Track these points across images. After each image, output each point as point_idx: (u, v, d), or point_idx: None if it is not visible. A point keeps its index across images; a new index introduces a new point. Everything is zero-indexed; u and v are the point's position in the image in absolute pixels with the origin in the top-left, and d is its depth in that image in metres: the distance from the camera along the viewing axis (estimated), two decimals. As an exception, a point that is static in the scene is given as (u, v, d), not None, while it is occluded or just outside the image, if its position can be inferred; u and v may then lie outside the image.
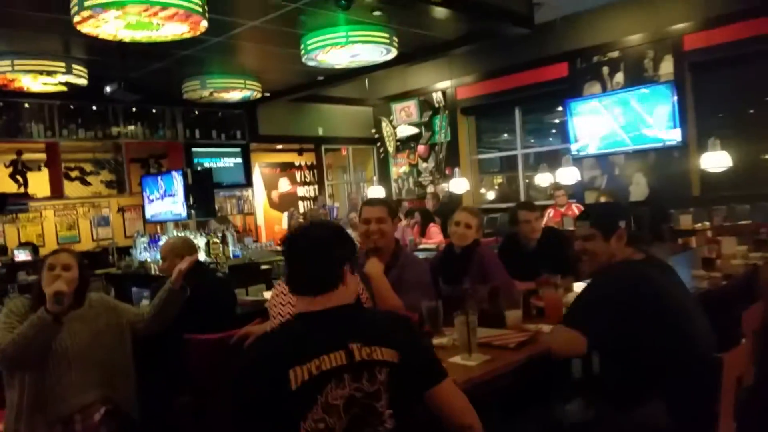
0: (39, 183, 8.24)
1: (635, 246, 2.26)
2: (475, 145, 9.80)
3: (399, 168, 10.50)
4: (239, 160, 9.42)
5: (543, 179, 8.15)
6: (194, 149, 8.86)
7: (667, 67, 7.16)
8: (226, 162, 9.26)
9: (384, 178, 10.60)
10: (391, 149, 10.54)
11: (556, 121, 9.31)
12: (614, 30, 7.50)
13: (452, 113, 9.55)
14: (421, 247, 6.91)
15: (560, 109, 8.42)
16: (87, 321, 2.43)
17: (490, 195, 10.19)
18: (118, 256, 7.20)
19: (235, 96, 7.76)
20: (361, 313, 1.71)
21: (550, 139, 9.83)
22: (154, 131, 8.54)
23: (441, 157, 9.79)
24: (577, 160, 7.79)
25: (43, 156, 8.12)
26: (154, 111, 8.53)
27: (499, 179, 10.68)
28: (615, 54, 7.57)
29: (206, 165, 8.76)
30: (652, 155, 7.38)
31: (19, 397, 2.27)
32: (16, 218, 7.84)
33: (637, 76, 7.37)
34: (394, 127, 10.41)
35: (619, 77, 7.56)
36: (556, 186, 7.60)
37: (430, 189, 9.80)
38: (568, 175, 7.42)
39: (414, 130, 10.12)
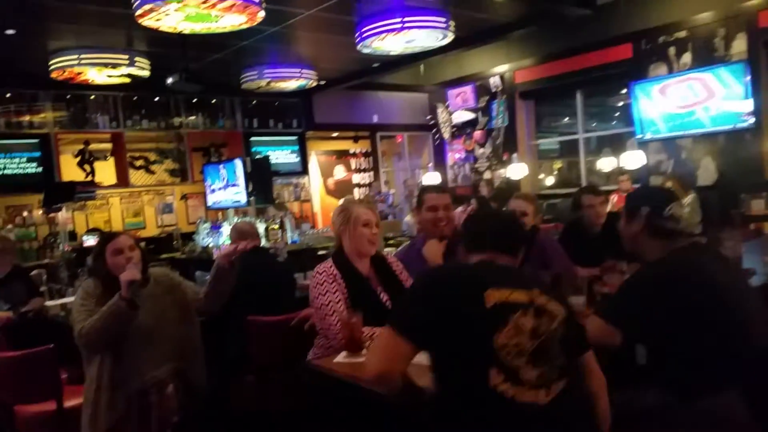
0: (105, 172, 8.56)
1: (662, 234, 2.13)
2: (534, 129, 9.56)
3: (455, 154, 10.38)
4: (296, 148, 9.54)
5: (605, 164, 7.88)
6: (252, 138, 9.02)
7: (739, 45, 6.76)
8: (283, 150, 9.40)
9: (439, 164, 10.51)
10: (446, 135, 10.43)
11: (620, 104, 8.98)
12: (682, 9, 7.13)
13: (510, 98, 9.34)
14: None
15: (624, 91, 8.10)
16: (156, 298, 2.50)
17: (549, 181, 9.94)
18: (182, 241, 7.43)
19: (291, 85, 7.84)
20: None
21: (613, 122, 9.49)
22: (214, 121, 8.74)
23: (498, 143, 9.61)
24: (642, 144, 7.48)
25: (108, 146, 8.43)
26: (213, 101, 8.73)
27: (558, 164, 10.41)
28: (682, 34, 7.20)
29: (264, 153, 8.90)
30: (722, 138, 7.00)
31: (98, 372, 2.39)
32: (84, 206, 8.19)
33: (707, 56, 6.99)
34: (450, 113, 10.28)
35: (687, 58, 7.19)
36: (620, 171, 7.33)
37: (486, 175, 9.66)
38: (633, 159, 7.14)
39: (470, 116, 9.97)
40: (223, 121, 8.78)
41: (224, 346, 3.37)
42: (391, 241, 6.45)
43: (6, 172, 7.09)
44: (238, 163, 6.75)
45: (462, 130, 10.17)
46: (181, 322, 2.59)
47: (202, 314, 2.74)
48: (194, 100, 8.50)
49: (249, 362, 3.25)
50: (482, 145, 9.89)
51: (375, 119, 10.27)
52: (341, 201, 2.99)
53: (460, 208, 8.06)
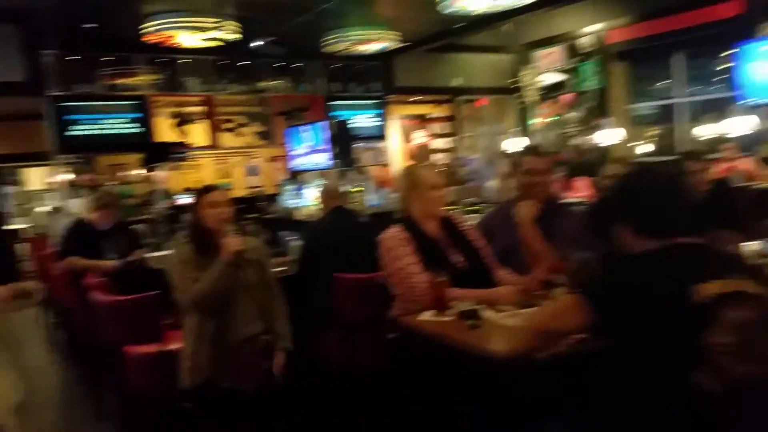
0: (197, 134, 8.91)
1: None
2: (628, 93, 9.07)
3: (540, 119, 10.04)
4: (376, 112, 9.53)
5: (706, 131, 7.38)
6: (334, 102, 9.09)
7: None
8: (364, 114, 9.42)
9: (523, 129, 10.21)
10: (532, 99, 10.09)
11: (724, 66, 8.32)
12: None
13: (603, 59, 8.88)
14: (566, 201, 6.60)
15: (730, 52, 7.49)
16: (247, 260, 2.59)
17: (643, 148, 9.43)
18: (267, 202, 7.68)
19: (372, 47, 7.78)
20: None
21: (717, 86, 8.83)
22: (297, 85, 8.86)
23: (588, 107, 9.20)
24: (748, 110, 6.93)
25: (200, 109, 8.75)
26: (296, 65, 8.83)
27: (653, 131, 9.86)
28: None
29: (345, 117, 8.95)
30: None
31: (199, 327, 2.52)
32: (178, 166, 8.58)
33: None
34: (537, 75, 9.92)
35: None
36: (722, 138, 6.85)
37: (574, 141, 9.29)
38: (738, 126, 6.65)
39: (558, 78, 9.57)
40: (305, 85, 8.88)
41: (310, 302, 3.47)
42: (472, 207, 6.37)
43: (109, 132, 7.49)
44: (321, 127, 6.84)
45: (549, 93, 9.81)
46: (266, 287, 2.70)
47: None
48: (278, 64, 8.63)
49: (334, 319, 3.33)
50: (570, 110, 9.51)
51: (457, 82, 10.07)
52: (403, 167, 2.97)
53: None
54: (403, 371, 2.57)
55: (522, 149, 3.20)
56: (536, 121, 10.08)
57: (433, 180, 2.66)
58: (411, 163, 2.61)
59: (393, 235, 2.62)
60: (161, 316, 3.04)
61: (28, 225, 9.86)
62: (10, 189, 11.18)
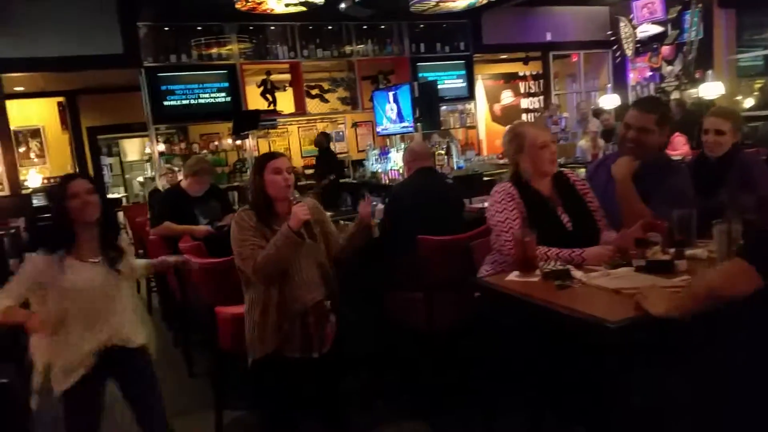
0: (285, 101, 9.08)
1: None
2: (734, 43, 8.30)
3: (638, 73, 9.40)
4: (462, 72, 9.27)
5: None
6: (419, 64, 8.93)
7: None
8: (450, 75, 9.19)
9: (620, 85, 9.62)
10: (629, 52, 9.45)
11: None
12: None
13: (707, 6, 8.14)
14: (673, 158, 6.18)
15: None
16: (307, 225, 2.53)
17: (749, 102, 8.63)
18: (353, 167, 7.73)
19: (460, 4, 7.51)
20: None
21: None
22: (383, 48, 8.77)
23: (690, 59, 8.51)
24: None
25: (287, 76, 8.88)
26: (382, 27, 8.74)
27: (760, 83, 8.99)
28: None
29: (430, 79, 8.79)
30: None
31: (264, 297, 2.50)
32: (267, 133, 8.82)
33: None
34: (634, 27, 9.26)
35: None
36: None
37: (675, 96, 8.65)
38: None
39: (658, 29, 8.89)
40: (391, 47, 8.78)
41: (393, 264, 3.45)
42: (563, 168, 6.09)
43: (200, 101, 7.76)
44: (406, 89, 6.73)
45: (648, 45, 9.15)
46: (326, 250, 2.66)
47: (336, 261, 2.73)
48: (364, 27, 8.57)
49: (417, 281, 3.29)
50: (671, 62, 8.84)
51: (548, 37, 9.59)
52: (508, 127, 2.79)
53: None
54: (486, 332, 2.52)
55: (632, 103, 3.01)
56: (633, 76, 9.45)
57: (542, 139, 2.58)
58: (518, 121, 2.51)
59: (503, 189, 2.61)
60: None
61: (124, 195, 10.55)
62: (109, 160, 11.95)
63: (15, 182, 7.01)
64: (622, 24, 9.44)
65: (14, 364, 3.62)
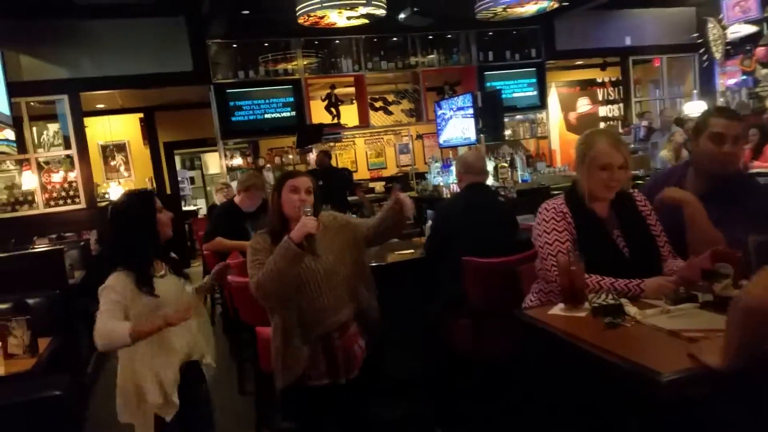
0: (349, 114, 9.04)
1: None
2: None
3: (728, 78, 8.67)
4: (533, 80, 8.90)
5: None
6: (487, 72, 8.65)
7: None
8: (520, 83, 8.85)
9: (707, 91, 8.91)
10: (718, 55, 8.74)
11: None
12: None
13: (809, 0, 7.39)
14: (755, 171, 5.60)
15: None
16: (327, 241, 2.36)
17: None
18: (416, 180, 7.55)
19: (530, 9, 7.19)
20: None
21: None
22: (449, 57, 8.57)
23: (788, 60, 7.75)
24: None
25: (351, 90, 8.84)
26: (449, 36, 8.54)
27: None
28: None
29: (497, 88, 8.50)
30: None
31: (282, 322, 2.34)
32: (332, 146, 8.79)
33: None
34: (724, 28, 8.54)
35: None
36: None
37: (770, 101, 7.90)
38: None
39: (752, 29, 8.16)
40: (458, 56, 8.55)
41: (439, 286, 3.25)
42: (639, 181, 5.64)
43: (266, 116, 7.85)
44: (469, 98, 6.49)
45: (739, 47, 8.42)
46: (355, 263, 2.43)
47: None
48: (429, 37, 8.41)
49: (463, 305, 3.08)
50: (765, 65, 8.07)
51: (627, 41, 9.03)
52: (583, 134, 2.44)
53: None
54: (530, 368, 2.26)
55: (710, 110, 2.56)
56: (722, 81, 8.72)
57: (606, 159, 2.23)
58: (595, 129, 2.26)
59: (552, 207, 2.33)
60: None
61: (198, 207, 10.86)
62: (190, 173, 12.40)
63: (91, 195, 7.32)
64: (710, 25, 8.75)
65: (70, 376, 3.71)
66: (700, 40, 8.96)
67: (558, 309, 2.10)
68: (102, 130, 10.06)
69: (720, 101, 8.73)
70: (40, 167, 7.26)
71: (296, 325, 2.32)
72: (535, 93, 8.87)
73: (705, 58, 8.97)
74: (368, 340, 2.44)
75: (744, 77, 8.46)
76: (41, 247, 5.44)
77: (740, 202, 2.29)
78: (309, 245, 2.17)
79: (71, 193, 7.27)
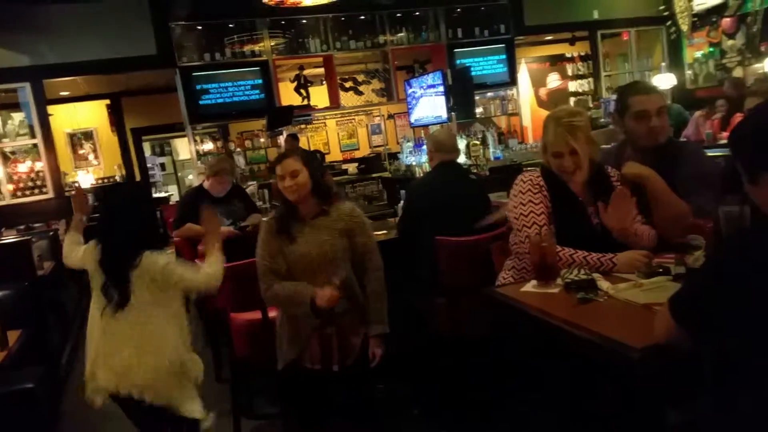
0: (319, 96, 8.91)
1: None
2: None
3: (695, 50, 8.76)
4: (503, 56, 8.86)
5: None
6: (457, 50, 8.58)
7: None
8: (490, 60, 8.81)
9: (675, 64, 8.99)
10: (685, 27, 8.80)
11: None
12: None
13: (773, -29, 7.47)
14: (722, 142, 5.67)
15: None
16: (331, 231, 2.38)
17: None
18: (389, 160, 7.51)
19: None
20: None
21: None
22: (418, 35, 8.48)
23: (754, 30, 7.84)
24: None
25: (321, 71, 8.71)
26: (417, 14, 8.44)
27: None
28: None
29: (467, 65, 8.45)
30: None
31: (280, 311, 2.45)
32: (303, 129, 8.68)
33: None
34: (690, 0, 8.61)
35: None
36: None
37: (736, 72, 8.01)
38: None
39: (717, 1, 8.23)
40: (427, 34, 8.47)
41: (413, 266, 3.23)
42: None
43: (235, 99, 7.70)
44: (439, 76, 6.44)
45: (706, 19, 8.51)
46: (358, 259, 2.44)
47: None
48: (398, 15, 8.31)
49: (438, 284, 3.07)
50: (732, 36, 8.18)
51: (595, 15, 9.04)
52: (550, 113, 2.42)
53: (698, 113, 6.85)
54: (505, 346, 2.27)
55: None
56: (689, 53, 8.81)
57: (554, 148, 2.25)
58: (559, 108, 2.23)
59: (529, 179, 2.33)
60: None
61: (169, 193, 10.69)
62: (159, 159, 12.15)
63: (58, 184, 7.14)
64: (678, -4, 8.81)
65: (42, 369, 3.62)
66: (666, 13, 9.01)
67: (530, 286, 2.10)
68: (68, 118, 9.80)
69: (688, 73, 8.83)
70: (5, 157, 7.07)
71: (291, 314, 2.40)
72: (505, 69, 8.84)
73: (672, 30, 9.04)
74: (366, 332, 2.43)
75: (711, 49, 8.55)
76: (9, 238, 5.29)
77: (681, 168, 2.32)
78: (321, 313, 2.29)
79: (38, 182, 7.09)
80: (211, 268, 2.37)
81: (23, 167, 7.11)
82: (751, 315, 1.20)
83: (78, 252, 2.48)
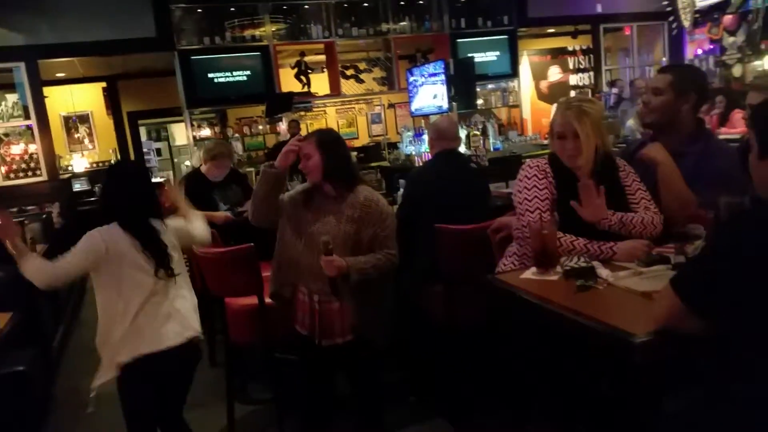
0: (320, 83, 8.85)
1: None
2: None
3: (696, 47, 8.73)
4: (506, 48, 8.82)
5: None
6: (459, 40, 8.54)
7: None
8: (492, 51, 8.77)
9: (676, 59, 8.96)
10: (687, 23, 8.76)
11: None
12: None
13: (776, -32, 7.44)
14: (721, 137, 5.67)
15: None
16: (339, 213, 2.42)
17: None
18: (389, 150, 7.48)
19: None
20: None
21: None
22: (421, 24, 8.43)
23: (755, 28, 7.81)
24: None
25: (322, 58, 8.66)
26: (420, 2, 8.39)
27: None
28: None
29: (469, 56, 8.40)
30: None
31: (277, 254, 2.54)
32: (303, 116, 8.63)
33: None
34: (694, -4, 8.58)
35: None
36: None
37: (736, 70, 7.99)
38: None
39: (719, -3, 8.21)
40: (430, 23, 8.42)
41: (413, 254, 3.22)
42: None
43: (234, 84, 7.62)
44: (441, 66, 6.40)
45: (707, 15, 8.47)
46: (357, 246, 2.40)
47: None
48: (401, 3, 8.25)
49: (437, 273, 3.06)
50: (733, 33, 8.15)
51: (598, 9, 9.01)
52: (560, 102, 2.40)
53: (704, 107, 6.83)
54: (503, 334, 2.26)
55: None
56: (690, 49, 8.78)
57: (558, 129, 2.23)
58: (565, 99, 2.21)
59: (536, 165, 2.31)
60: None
61: (165, 179, 10.60)
62: (156, 144, 12.07)
63: (52, 167, 7.09)
64: (680, -8, 8.77)
65: (34, 351, 3.60)
66: (669, 8, 8.97)
67: (530, 273, 2.08)
68: (64, 100, 9.72)
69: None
70: (-1, 139, 7.02)
71: (282, 266, 2.51)
72: (507, 61, 8.81)
73: (674, 26, 9.00)
74: (357, 309, 2.43)
75: (712, 46, 8.52)
76: (0, 220, 5.24)
77: (701, 160, 2.31)
78: (333, 286, 2.33)
79: (32, 165, 7.04)
80: (201, 223, 2.71)
81: (17, 149, 7.07)
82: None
83: (73, 260, 2.32)
